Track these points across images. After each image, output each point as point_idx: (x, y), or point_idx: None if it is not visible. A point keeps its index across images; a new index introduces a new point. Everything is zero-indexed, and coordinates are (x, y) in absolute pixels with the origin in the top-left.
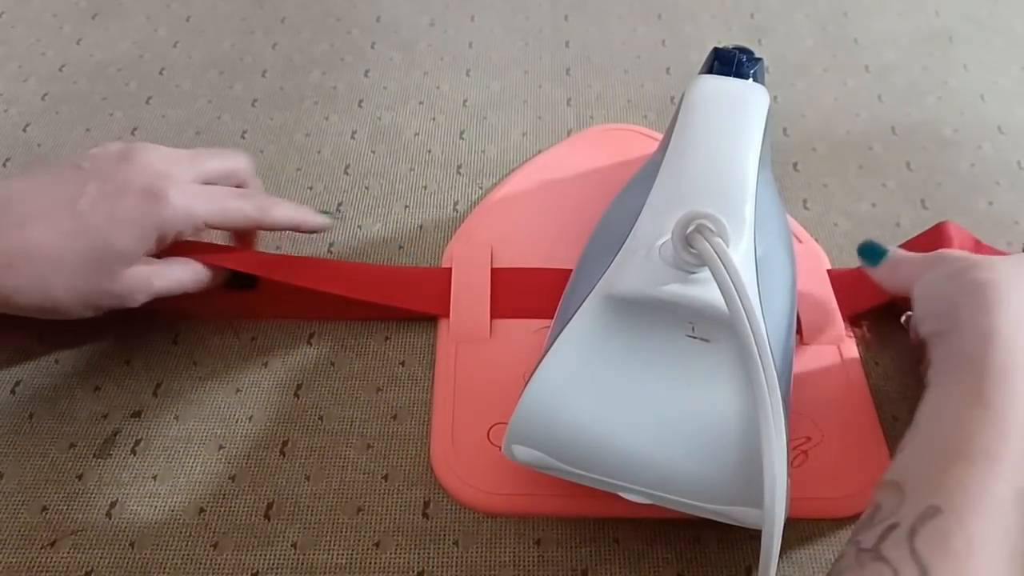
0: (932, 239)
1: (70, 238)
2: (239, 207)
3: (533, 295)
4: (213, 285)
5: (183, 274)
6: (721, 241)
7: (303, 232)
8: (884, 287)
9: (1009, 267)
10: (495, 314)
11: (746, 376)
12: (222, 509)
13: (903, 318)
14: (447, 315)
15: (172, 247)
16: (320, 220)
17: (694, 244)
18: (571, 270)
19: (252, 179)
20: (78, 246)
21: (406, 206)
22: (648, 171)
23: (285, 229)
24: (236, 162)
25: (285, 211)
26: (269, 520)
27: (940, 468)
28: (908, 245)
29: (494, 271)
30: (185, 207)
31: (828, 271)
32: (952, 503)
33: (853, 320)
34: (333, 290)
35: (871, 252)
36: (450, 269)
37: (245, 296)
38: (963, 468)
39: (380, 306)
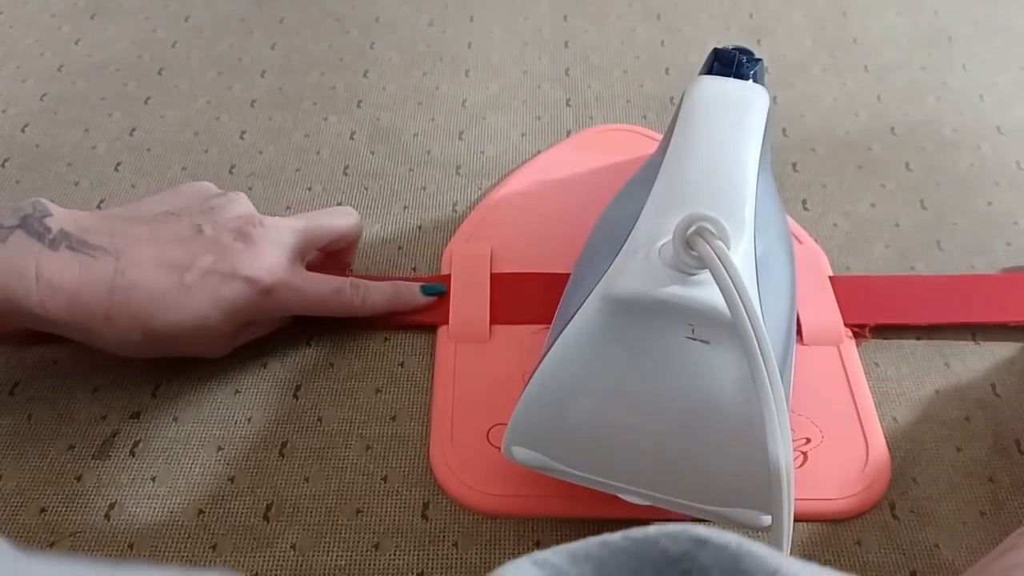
0: None
1: (170, 310)
2: (338, 302)
3: (532, 300)
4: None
5: (266, 328)
6: (722, 244)
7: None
8: None
9: None
10: (494, 320)
11: (746, 378)
12: (221, 510)
13: None
14: (447, 322)
15: None
16: (419, 300)
17: (695, 246)
18: (570, 274)
19: (354, 245)
20: (175, 319)
21: (405, 207)
22: (648, 172)
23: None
24: (346, 224)
25: (379, 302)
26: (268, 521)
27: None
28: None
29: (493, 276)
30: (283, 303)
31: (830, 278)
32: None
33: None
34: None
35: None
36: (449, 276)
37: None
38: None
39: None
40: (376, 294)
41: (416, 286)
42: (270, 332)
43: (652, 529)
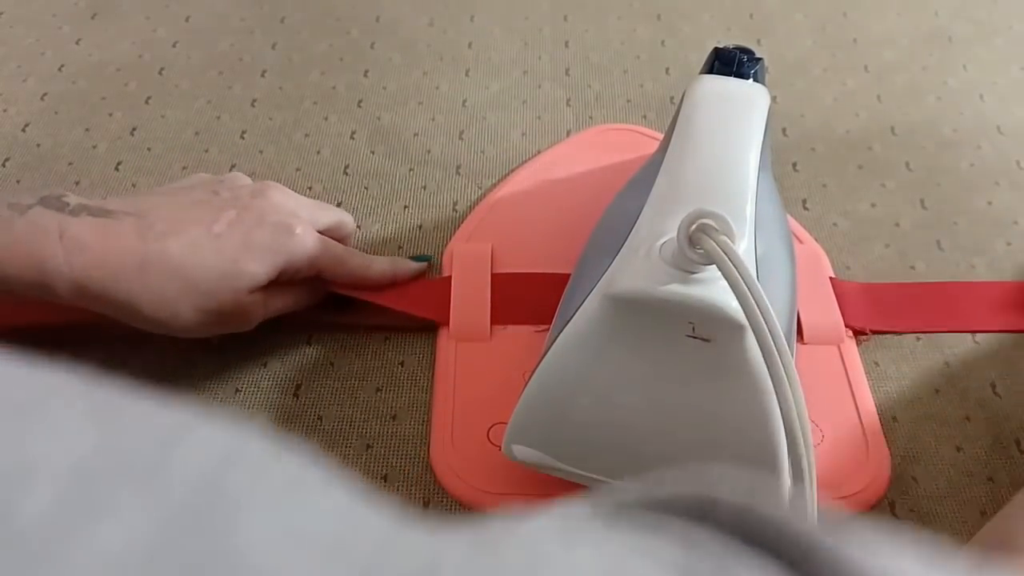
0: None
1: (204, 256)
2: (352, 262)
3: (533, 300)
4: (312, 304)
5: (289, 298)
6: (727, 239)
7: (401, 282)
8: None
9: None
10: (495, 320)
11: (746, 376)
12: None
13: None
14: (447, 322)
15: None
16: (413, 267)
17: (699, 243)
18: (570, 273)
19: (350, 239)
20: (210, 264)
21: (405, 206)
22: (648, 171)
23: (387, 284)
24: (343, 218)
25: (384, 267)
26: None
27: None
28: None
29: (494, 276)
30: (311, 248)
31: (831, 280)
32: None
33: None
34: (339, 291)
35: None
36: (450, 277)
37: None
38: None
39: (380, 313)
40: (380, 260)
41: (405, 258)
42: (296, 308)
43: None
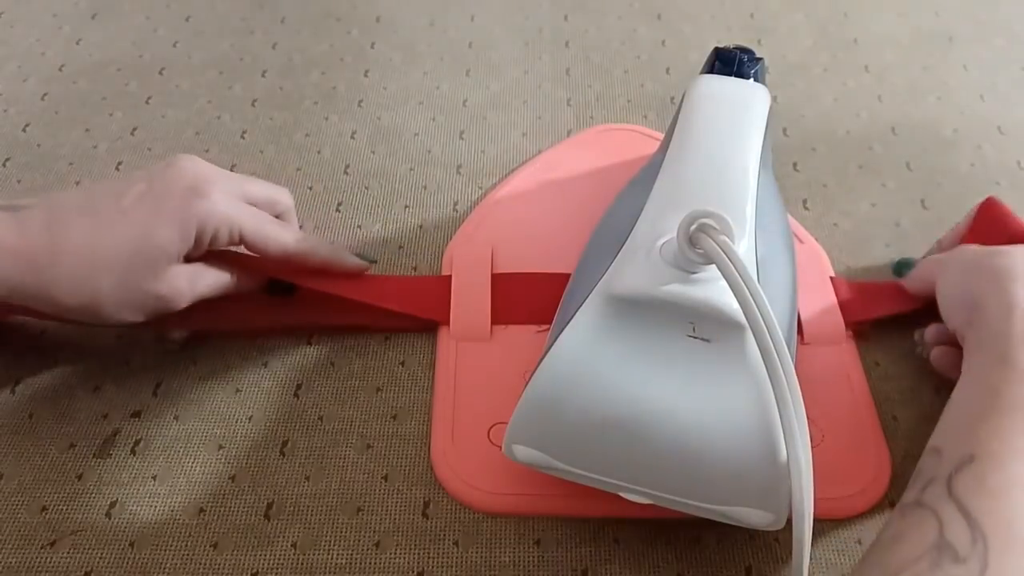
0: (985, 220)
1: (112, 233)
2: (278, 235)
3: (533, 300)
4: (252, 288)
5: (222, 276)
6: (726, 239)
7: (334, 272)
8: (915, 292)
9: (1020, 252)
10: (495, 320)
11: (746, 376)
12: (222, 509)
13: (916, 335)
14: (448, 322)
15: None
16: (353, 263)
17: (699, 243)
18: (571, 273)
19: (291, 215)
20: (120, 241)
21: (406, 206)
22: (649, 171)
23: (317, 267)
24: (279, 194)
25: (321, 250)
26: (269, 520)
27: (973, 424)
28: (968, 233)
29: (495, 277)
30: (226, 210)
31: (832, 279)
32: (987, 450)
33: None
34: (338, 292)
35: (904, 267)
36: (450, 276)
37: (251, 306)
38: (995, 420)
39: (380, 315)
40: (323, 244)
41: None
42: (232, 290)
43: None
